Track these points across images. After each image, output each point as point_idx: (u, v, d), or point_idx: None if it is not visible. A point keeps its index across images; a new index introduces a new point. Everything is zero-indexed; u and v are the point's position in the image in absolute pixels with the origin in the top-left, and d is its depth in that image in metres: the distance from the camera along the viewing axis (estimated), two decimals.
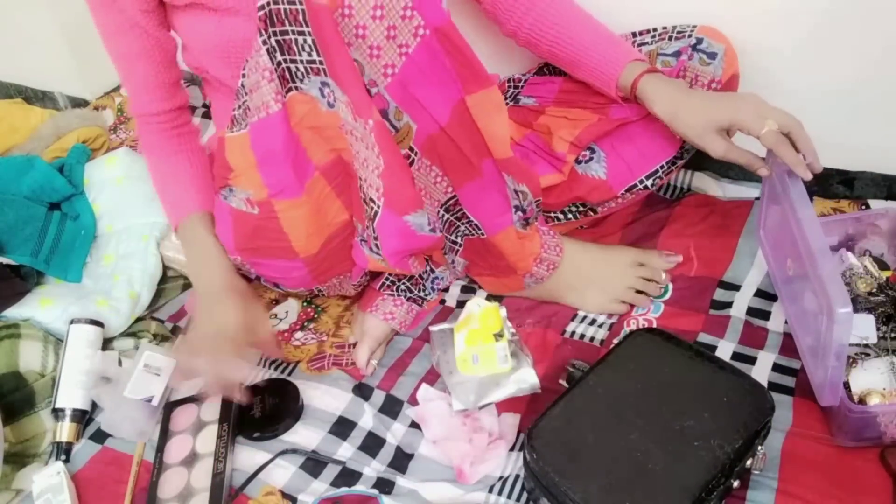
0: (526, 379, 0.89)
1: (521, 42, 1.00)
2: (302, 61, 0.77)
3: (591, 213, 1.06)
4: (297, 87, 0.79)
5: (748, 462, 0.75)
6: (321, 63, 0.76)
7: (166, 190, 0.99)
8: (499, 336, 0.90)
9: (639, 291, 1.01)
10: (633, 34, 1.03)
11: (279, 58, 0.77)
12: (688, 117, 0.87)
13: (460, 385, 0.89)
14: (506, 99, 1.11)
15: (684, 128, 0.88)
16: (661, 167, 0.99)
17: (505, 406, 0.90)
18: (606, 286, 1.01)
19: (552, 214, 1.07)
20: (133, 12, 0.89)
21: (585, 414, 0.78)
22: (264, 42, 0.76)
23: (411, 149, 0.83)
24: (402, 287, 1.02)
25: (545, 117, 1.04)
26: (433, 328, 0.99)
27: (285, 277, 0.97)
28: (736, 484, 0.74)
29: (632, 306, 1.01)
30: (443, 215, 0.93)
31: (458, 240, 0.97)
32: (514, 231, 0.93)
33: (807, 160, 0.83)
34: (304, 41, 0.75)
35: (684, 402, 0.77)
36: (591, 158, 1.01)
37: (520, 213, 0.92)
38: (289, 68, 0.78)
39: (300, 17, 0.73)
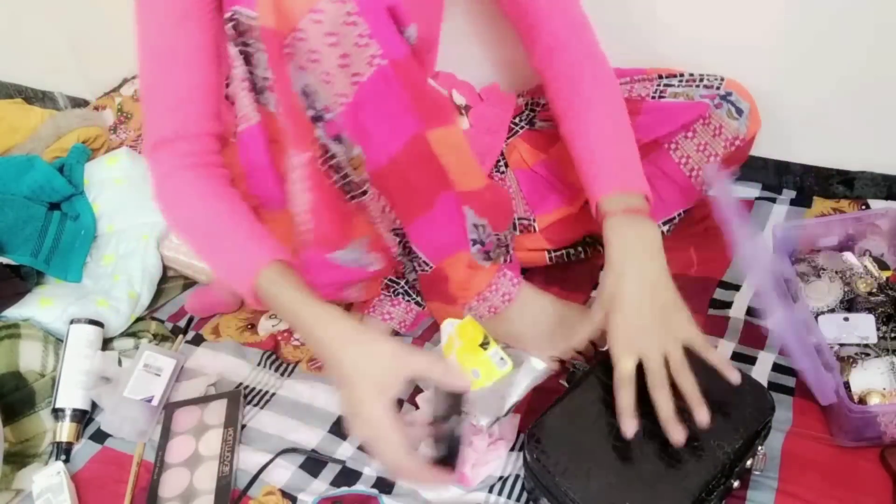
0: (535, 367, 0.88)
1: (552, 112, 0.94)
2: (259, 77, 0.76)
3: (601, 250, 1.02)
4: (260, 102, 0.79)
5: (748, 462, 0.75)
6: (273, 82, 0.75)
7: (220, 247, 0.81)
8: (485, 344, 0.88)
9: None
10: (660, 76, 1.02)
11: (247, 68, 0.76)
12: (613, 307, 0.77)
13: (476, 402, 0.88)
14: (521, 122, 1.10)
15: (600, 290, 0.79)
16: (679, 214, 0.99)
17: None
18: (542, 342, 0.94)
19: (563, 251, 1.04)
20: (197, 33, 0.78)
21: (585, 414, 0.78)
22: (240, 51, 0.75)
23: (364, 179, 0.81)
24: (401, 290, 1.02)
25: (562, 144, 1.00)
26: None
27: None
28: (736, 484, 0.74)
29: (564, 364, 0.93)
30: (400, 240, 0.91)
31: (416, 265, 0.94)
32: (466, 258, 0.90)
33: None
34: (260, 57, 0.74)
35: (684, 403, 0.76)
36: None
37: (478, 245, 0.90)
38: (255, 81, 0.77)
39: (255, 33, 0.72)
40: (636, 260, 0.77)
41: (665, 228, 1.00)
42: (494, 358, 0.87)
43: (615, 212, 0.79)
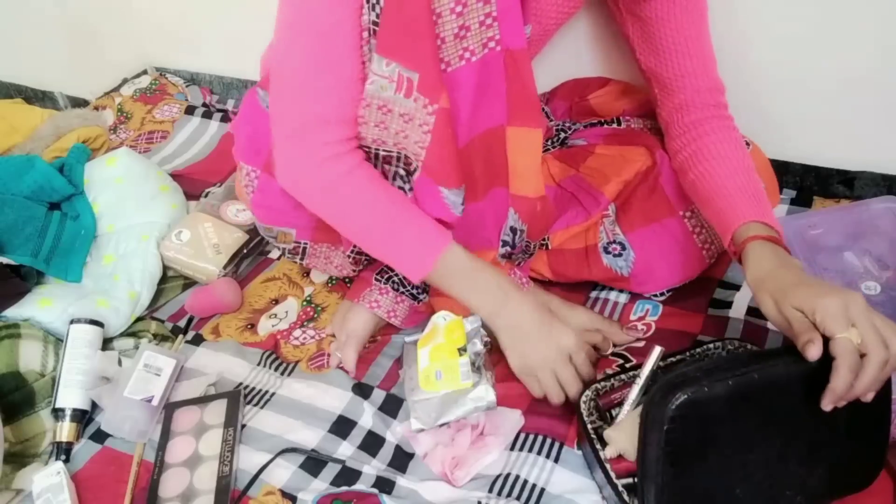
0: (483, 396, 0.86)
1: (675, 164, 0.95)
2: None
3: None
4: None
5: None
6: None
7: (405, 227, 0.83)
8: (462, 351, 0.88)
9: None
10: None
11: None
12: (772, 288, 0.71)
13: (421, 403, 0.88)
14: (553, 143, 1.10)
15: (764, 297, 0.72)
16: (684, 284, 0.99)
17: (505, 401, 0.90)
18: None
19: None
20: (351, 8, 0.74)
21: (737, 407, 0.66)
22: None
23: None
24: (395, 280, 1.01)
25: (594, 158, 1.02)
26: (407, 339, 0.97)
27: (291, 214, 0.93)
28: None
29: None
30: None
31: None
32: (493, 255, 0.92)
33: (854, 392, 0.63)
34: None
35: (812, 443, 0.68)
36: (619, 254, 0.98)
37: (507, 247, 0.92)
38: None
39: None
40: (780, 266, 0.72)
41: (666, 296, 1.01)
42: (463, 368, 0.87)
43: (758, 237, 0.76)
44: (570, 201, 1.02)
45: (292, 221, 0.97)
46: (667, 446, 0.66)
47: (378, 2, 0.71)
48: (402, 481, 0.85)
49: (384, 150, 0.81)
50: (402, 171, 0.83)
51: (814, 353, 0.63)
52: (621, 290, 1.05)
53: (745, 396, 0.66)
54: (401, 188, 0.84)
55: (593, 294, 1.06)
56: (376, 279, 1.01)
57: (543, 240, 1.01)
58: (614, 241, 0.98)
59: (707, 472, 0.67)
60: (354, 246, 0.93)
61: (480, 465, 0.84)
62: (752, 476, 0.68)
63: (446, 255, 0.83)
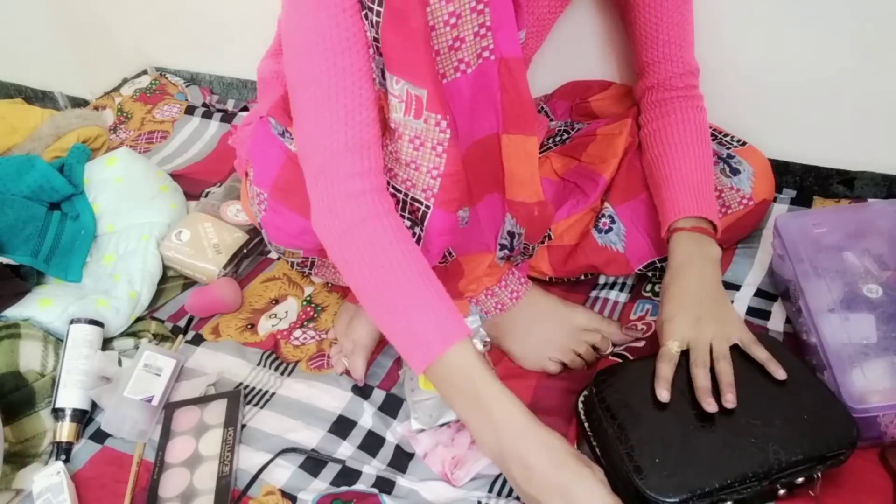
0: None
1: (640, 138, 0.99)
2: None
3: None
4: None
5: (799, 479, 0.73)
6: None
7: (409, 309, 0.71)
8: None
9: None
10: None
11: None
12: (669, 297, 0.81)
13: (420, 404, 0.88)
14: (552, 143, 1.10)
15: (664, 301, 0.82)
16: (654, 264, 0.97)
17: None
18: (545, 342, 0.94)
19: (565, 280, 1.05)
20: (357, 27, 0.69)
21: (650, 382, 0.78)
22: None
23: None
24: None
25: (595, 143, 1.02)
26: None
27: (297, 238, 0.89)
28: (782, 492, 0.74)
29: (567, 367, 0.94)
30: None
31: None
32: (490, 259, 0.92)
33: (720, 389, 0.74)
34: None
35: (762, 403, 0.75)
36: (610, 229, 0.97)
37: (505, 250, 0.92)
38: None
39: None
40: (695, 266, 0.82)
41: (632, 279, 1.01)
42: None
43: (683, 228, 0.84)
44: (572, 191, 1.02)
45: (300, 245, 0.93)
46: (601, 403, 0.78)
47: (377, 16, 0.67)
48: (402, 481, 0.85)
49: (391, 189, 0.78)
50: (407, 222, 0.79)
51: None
52: (621, 289, 1.05)
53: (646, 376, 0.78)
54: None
55: (593, 294, 1.06)
56: None
57: (545, 237, 1.01)
58: (604, 216, 0.98)
59: (655, 422, 0.75)
60: None
61: (480, 465, 0.84)
62: (705, 427, 0.75)
63: (452, 352, 0.70)
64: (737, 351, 0.78)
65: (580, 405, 0.83)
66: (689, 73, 0.95)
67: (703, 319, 0.79)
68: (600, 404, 0.78)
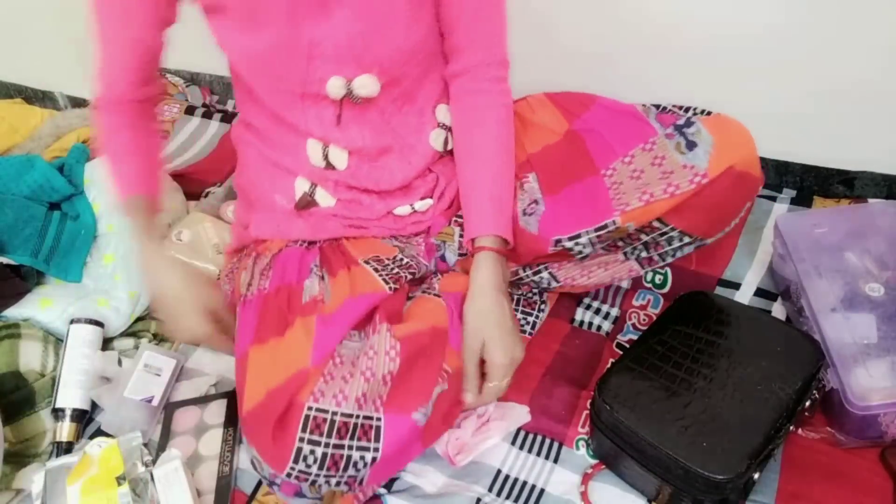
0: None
1: (452, 123, 0.98)
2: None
3: (555, 284, 1.00)
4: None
5: (807, 403, 0.79)
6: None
7: (123, 159, 0.95)
8: (121, 479, 0.80)
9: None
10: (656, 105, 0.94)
11: None
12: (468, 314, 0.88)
13: None
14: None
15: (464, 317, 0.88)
16: (586, 232, 0.88)
17: (510, 395, 0.90)
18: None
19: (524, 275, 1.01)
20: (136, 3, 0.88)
21: (650, 369, 0.83)
22: None
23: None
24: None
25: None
26: (49, 465, 0.86)
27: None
28: (792, 428, 0.79)
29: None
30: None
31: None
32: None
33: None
34: None
35: (740, 353, 0.82)
36: (533, 213, 0.93)
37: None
38: None
39: None
40: (493, 287, 0.88)
41: (571, 244, 0.92)
42: (122, 500, 0.79)
43: (486, 247, 0.89)
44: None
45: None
46: (620, 424, 0.80)
47: None
48: (403, 478, 0.85)
49: (342, 416, 0.76)
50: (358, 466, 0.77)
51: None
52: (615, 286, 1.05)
53: (643, 365, 0.84)
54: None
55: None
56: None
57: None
58: (533, 202, 0.94)
59: (670, 412, 0.79)
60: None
61: (482, 447, 0.85)
62: (717, 395, 0.79)
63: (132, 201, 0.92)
64: (714, 316, 0.87)
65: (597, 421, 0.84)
66: (497, 65, 0.94)
67: (502, 339, 0.85)
68: (620, 425, 0.79)
